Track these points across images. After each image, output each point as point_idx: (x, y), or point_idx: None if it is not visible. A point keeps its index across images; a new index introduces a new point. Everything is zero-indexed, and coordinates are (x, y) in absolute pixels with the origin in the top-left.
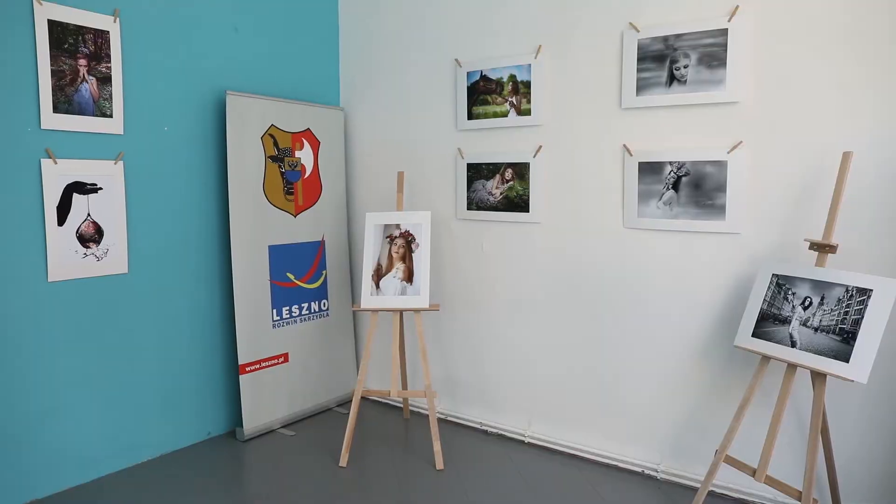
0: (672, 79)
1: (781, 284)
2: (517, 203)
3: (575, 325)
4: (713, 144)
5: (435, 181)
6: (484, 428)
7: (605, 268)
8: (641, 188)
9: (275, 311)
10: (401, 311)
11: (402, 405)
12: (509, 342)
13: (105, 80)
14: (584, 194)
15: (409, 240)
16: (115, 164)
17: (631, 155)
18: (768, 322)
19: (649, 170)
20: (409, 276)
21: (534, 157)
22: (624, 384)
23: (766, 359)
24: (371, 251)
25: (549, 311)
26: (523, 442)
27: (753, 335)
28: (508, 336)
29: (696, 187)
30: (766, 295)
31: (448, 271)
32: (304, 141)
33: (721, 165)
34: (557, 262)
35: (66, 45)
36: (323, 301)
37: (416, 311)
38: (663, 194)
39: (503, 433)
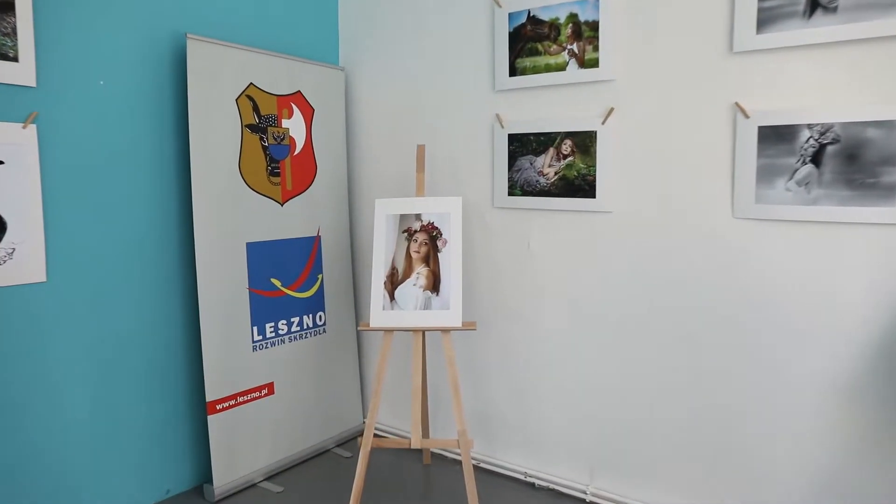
0: (814, 5)
1: None
2: (578, 186)
3: (659, 351)
4: (879, 98)
5: (464, 159)
6: (530, 480)
7: (704, 274)
8: (763, 163)
9: (255, 328)
10: (423, 331)
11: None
12: (565, 370)
13: (5, 6)
14: (675, 173)
15: (433, 235)
16: (24, 128)
17: (747, 117)
18: None
19: (775, 137)
20: (433, 284)
21: (602, 123)
22: (734, 430)
23: None
24: (382, 250)
25: (622, 332)
26: (584, 500)
27: None
28: (564, 362)
29: (850, 160)
30: None
31: (482, 277)
32: (294, 107)
33: (892, 128)
34: (635, 265)
35: None
36: (318, 314)
37: (446, 331)
38: (797, 171)
39: (555, 487)
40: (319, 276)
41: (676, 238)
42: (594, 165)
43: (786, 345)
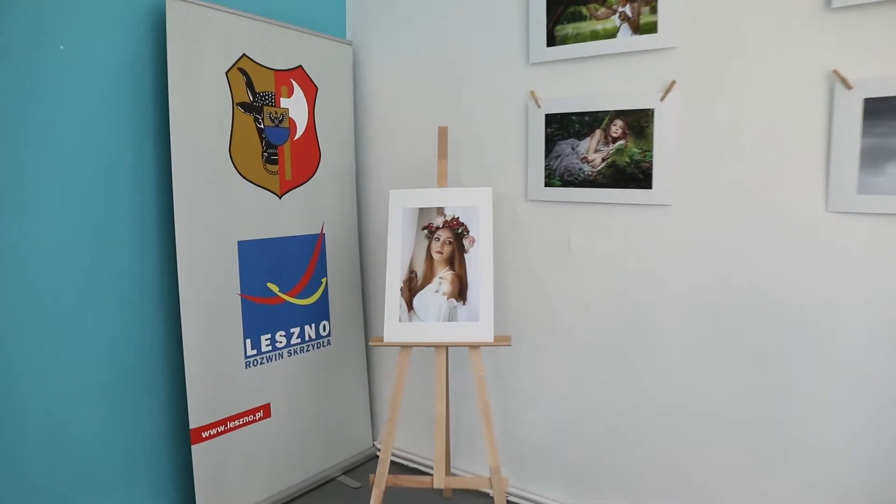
0: None
1: None
2: (631, 175)
3: (728, 374)
4: None
5: (492, 144)
6: None
7: (788, 281)
8: (869, 143)
9: (248, 341)
10: (447, 347)
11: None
12: (611, 392)
13: None
14: (752, 158)
15: (458, 232)
16: None
17: (849, 87)
18: None
19: (889, 111)
20: (459, 291)
21: (661, 99)
22: (821, 467)
23: None
24: (398, 250)
25: (682, 349)
26: None
27: None
28: (610, 383)
29: None
30: None
31: (513, 282)
32: (294, 84)
33: None
34: (701, 269)
35: None
36: (322, 324)
37: (475, 346)
38: None
39: None
40: (323, 281)
41: (752, 238)
42: (650, 150)
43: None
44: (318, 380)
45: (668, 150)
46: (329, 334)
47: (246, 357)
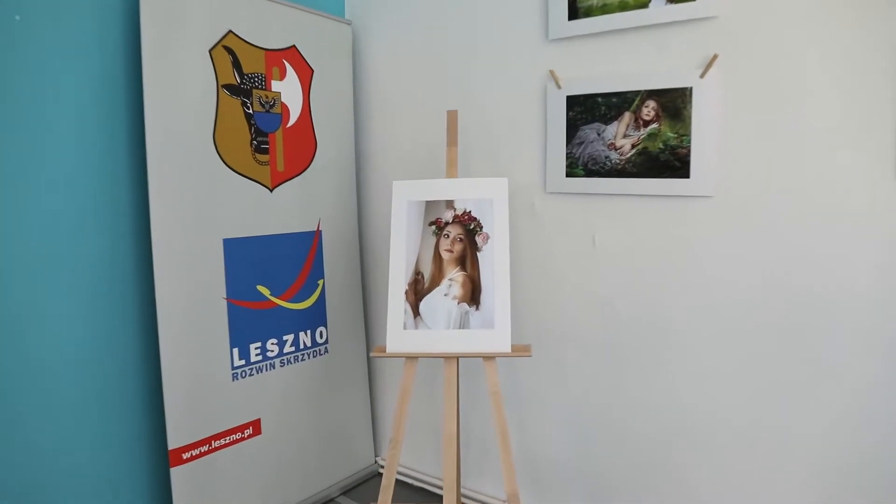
0: None
1: None
2: (665, 162)
3: (786, 387)
4: None
5: (507, 130)
6: None
7: (860, 284)
8: None
9: (236, 350)
10: (458, 358)
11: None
12: (642, 405)
13: None
14: (811, 140)
15: (471, 228)
16: None
17: None
18: None
19: None
20: (472, 294)
21: (701, 76)
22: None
23: None
24: (403, 248)
25: (723, 360)
26: None
27: None
28: (641, 395)
29: None
30: None
31: (530, 284)
32: (287, 65)
33: None
34: (747, 270)
35: None
36: (319, 331)
37: (490, 358)
38: None
39: None
40: (320, 283)
41: (811, 234)
42: (688, 134)
43: None
44: (314, 392)
45: (709, 134)
46: (326, 342)
47: (233, 368)
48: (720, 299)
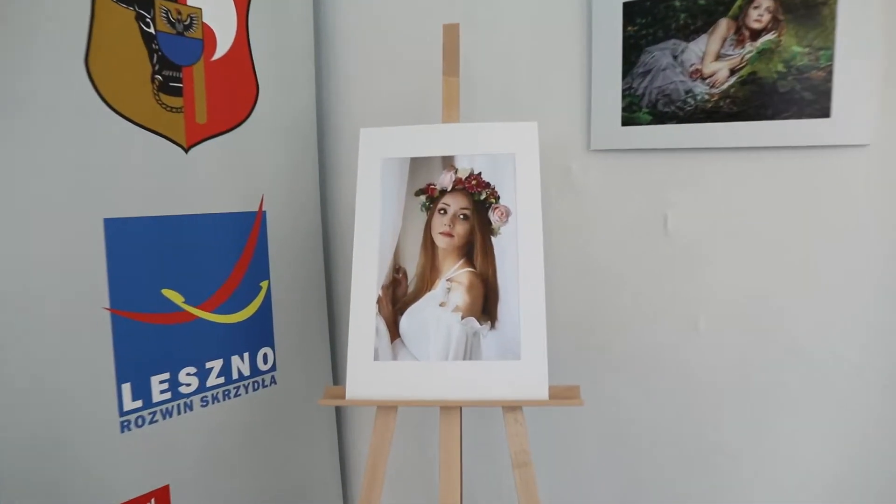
0: None
1: None
2: (787, 95)
3: None
4: None
5: (527, 58)
6: None
7: None
8: None
9: (127, 387)
10: (461, 407)
11: None
12: (734, 458)
13: None
14: None
15: (481, 199)
16: None
17: None
18: None
19: None
20: (483, 304)
21: None
22: None
23: None
24: (373, 231)
25: (868, 393)
26: None
27: None
28: (736, 446)
29: None
30: None
31: (566, 289)
32: None
33: None
34: None
35: None
36: (262, 353)
37: (514, 407)
38: None
39: None
40: (263, 285)
41: None
42: (829, 47)
43: None
44: (255, 441)
45: (866, 47)
46: (273, 368)
47: (122, 414)
48: (876, 303)
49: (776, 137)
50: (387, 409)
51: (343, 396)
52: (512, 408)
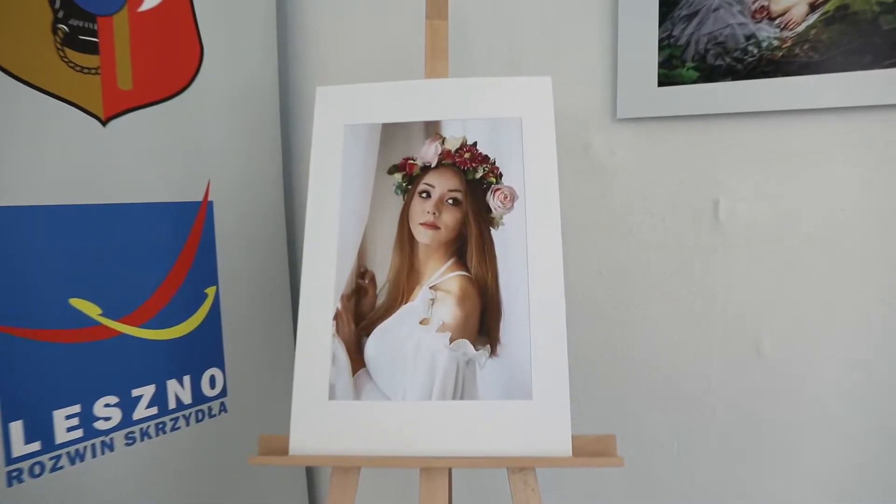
0: None
1: None
2: (892, 35)
3: None
4: None
5: (536, 4)
6: None
7: None
8: None
9: (18, 427)
10: (450, 468)
11: None
12: None
13: None
14: None
15: (476, 179)
16: None
17: None
18: None
19: None
20: (479, 321)
21: None
22: None
23: None
24: (331, 221)
25: None
26: None
27: None
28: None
29: None
30: None
31: (584, 295)
32: None
33: None
34: None
35: None
36: (208, 376)
37: (527, 467)
38: None
39: None
40: (209, 293)
41: None
42: None
43: None
44: (198, 485)
45: None
46: (224, 393)
47: (9, 462)
48: None
49: (879, 94)
50: (345, 469)
51: (286, 453)
52: (521, 468)
